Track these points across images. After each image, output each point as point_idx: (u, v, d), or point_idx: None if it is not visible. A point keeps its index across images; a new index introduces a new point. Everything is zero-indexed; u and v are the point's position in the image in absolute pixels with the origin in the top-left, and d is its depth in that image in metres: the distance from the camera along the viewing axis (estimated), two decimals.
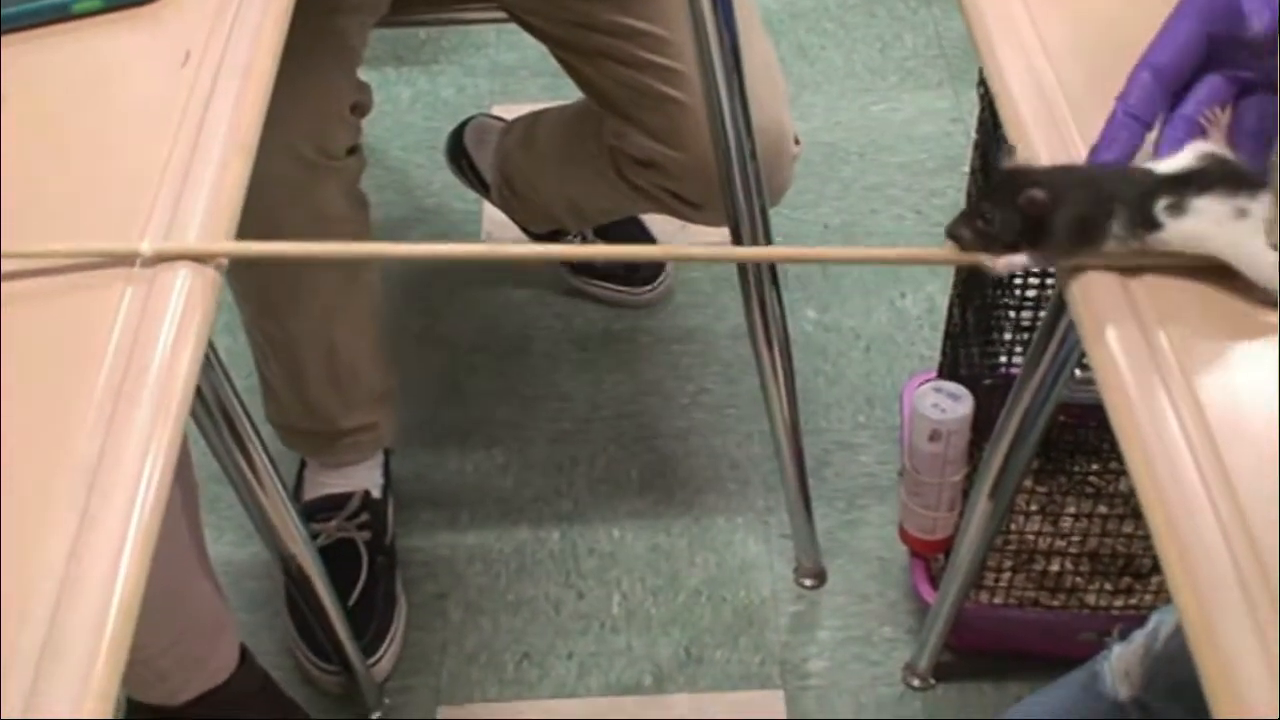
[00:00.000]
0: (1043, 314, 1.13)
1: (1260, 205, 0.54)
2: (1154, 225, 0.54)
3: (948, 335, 1.30)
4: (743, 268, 1.13)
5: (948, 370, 1.29)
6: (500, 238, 1.66)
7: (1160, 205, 0.54)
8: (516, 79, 1.93)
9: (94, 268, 0.56)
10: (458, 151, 1.53)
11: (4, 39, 0.70)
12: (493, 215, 1.62)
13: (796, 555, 1.33)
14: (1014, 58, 0.68)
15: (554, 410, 1.50)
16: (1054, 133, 0.63)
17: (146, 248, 0.55)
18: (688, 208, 1.21)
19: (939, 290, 1.60)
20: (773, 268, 1.13)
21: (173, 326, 0.53)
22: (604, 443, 1.47)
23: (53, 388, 0.51)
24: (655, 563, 1.35)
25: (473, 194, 1.59)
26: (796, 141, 1.20)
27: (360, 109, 1.11)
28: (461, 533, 1.38)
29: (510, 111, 1.71)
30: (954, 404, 1.13)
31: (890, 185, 1.75)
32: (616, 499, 1.41)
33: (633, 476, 1.43)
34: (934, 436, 1.13)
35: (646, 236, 1.58)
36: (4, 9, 0.71)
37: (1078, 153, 0.61)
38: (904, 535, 1.23)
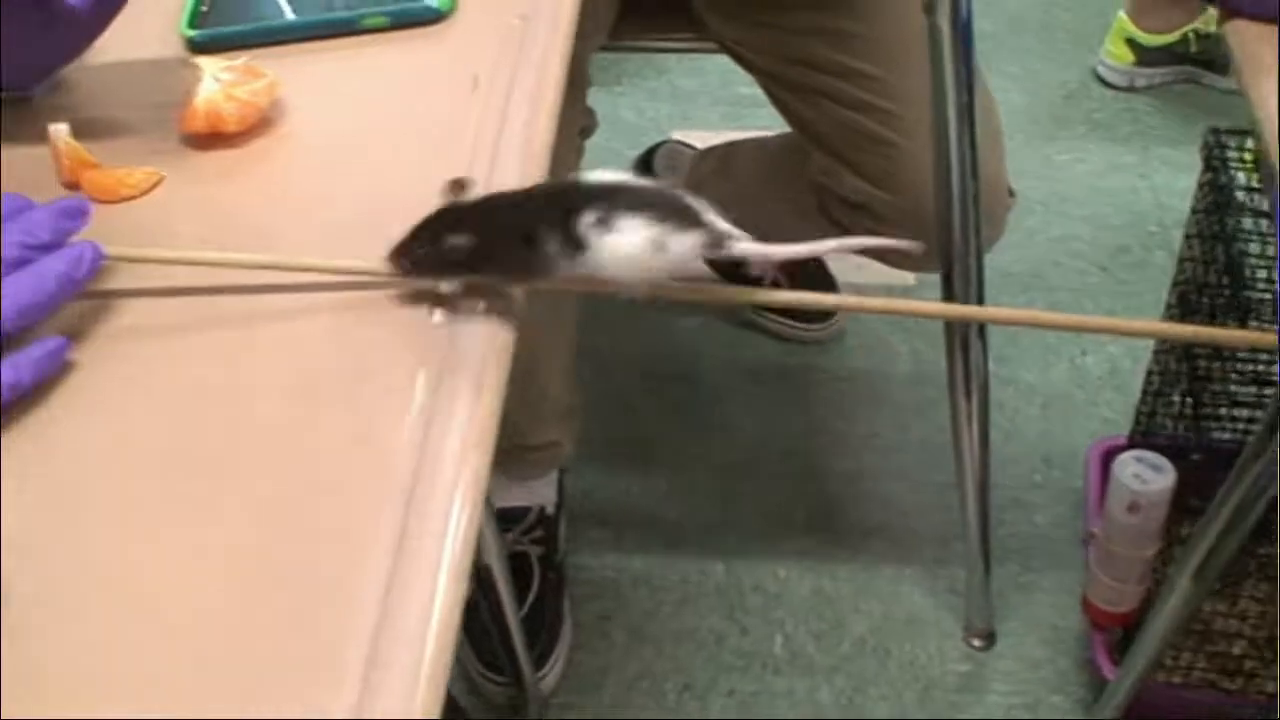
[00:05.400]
0: (1268, 393, 1.09)
1: (679, 241, 0.51)
2: (581, 245, 0.51)
3: (1144, 402, 1.26)
4: None
5: (1140, 438, 1.26)
6: None
7: (585, 222, 0.51)
8: (696, 106, 1.93)
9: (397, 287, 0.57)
10: (647, 175, 1.53)
11: (296, 46, 0.72)
12: None
13: (967, 613, 1.30)
14: None
15: (722, 441, 1.49)
16: None
17: (444, 286, 0.56)
18: (892, 252, 1.19)
19: (1121, 352, 1.56)
20: None
21: (486, 352, 0.54)
22: (771, 478, 1.45)
23: (369, 405, 0.52)
24: (819, 607, 1.33)
25: None
26: (1011, 193, 1.17)
27: (585, 132, 1.12)
28: (627, 555, 1.38)
29: (688, 137, 1.72)
30: (1156, 475, 1.10)
31: (1074, 239, 1.71)
32: (782, 537, 1.40)
33: (799, 515, 1.42)
34: (1133, 508, 1.10)
35: (826, 274, 1.57)
36: (296, 18, 0.73)
37: None
38: (1087, 605, 1.19)
